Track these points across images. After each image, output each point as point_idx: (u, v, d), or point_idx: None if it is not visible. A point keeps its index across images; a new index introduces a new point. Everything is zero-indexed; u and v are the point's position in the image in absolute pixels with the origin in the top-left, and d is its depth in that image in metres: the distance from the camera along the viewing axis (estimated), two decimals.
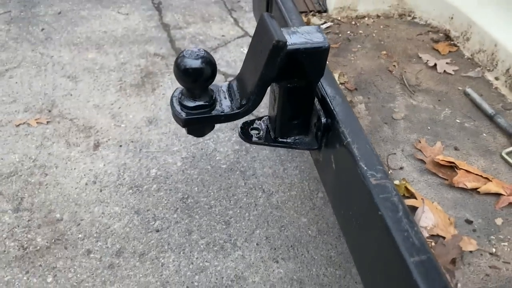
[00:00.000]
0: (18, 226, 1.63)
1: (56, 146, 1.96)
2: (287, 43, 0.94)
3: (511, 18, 1.37)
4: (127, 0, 3.07)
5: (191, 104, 1.02)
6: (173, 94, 1.06)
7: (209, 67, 0.98)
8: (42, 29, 2.72)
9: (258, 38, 1.00)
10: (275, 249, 1.62)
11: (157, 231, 1.65)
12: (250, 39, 2.72)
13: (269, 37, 0.94)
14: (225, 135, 2.05)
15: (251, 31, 2.81)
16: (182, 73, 0.97)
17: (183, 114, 1.02)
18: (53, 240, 1.60)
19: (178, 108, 1.03)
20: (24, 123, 2.06)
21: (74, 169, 1.86)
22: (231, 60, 2.54)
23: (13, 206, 1.70)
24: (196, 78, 0.98)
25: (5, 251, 1.55)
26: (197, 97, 1.02)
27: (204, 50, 0.99)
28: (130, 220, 1.68)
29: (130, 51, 2.57)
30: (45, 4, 2.97)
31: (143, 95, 2.26)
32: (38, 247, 1.57)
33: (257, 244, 1.63)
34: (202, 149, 1.98)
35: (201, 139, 2.02)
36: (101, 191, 1.78)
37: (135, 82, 2.34)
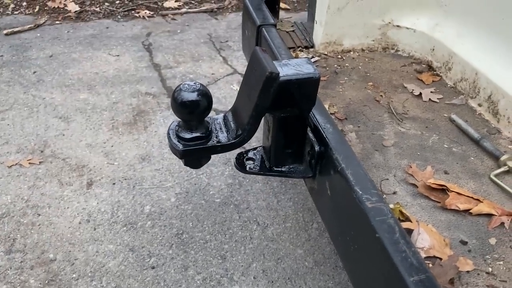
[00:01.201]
0: (11, 268, 1.60)
1: (49, 186, 1.95)
2: (280, 74, 0.98)
3: (490, 47, 1.45)
4: (118, 42, 3.14)
5: (188, 135, 1.05)
6: (169, 127, 1.09)
7: (205, 99, 1.02)
8: (34, 72, 2.76)
9: (252, 70, 1.05)
10: (272, 282, 1.60)
11: (153, 267, 1.63)
12: (239, 76, 2.80)
13: (262, 69, 0.98)
14: (218, 170, 2.07)
15: (240, 69, 2.88)
16: (179, 105, 1.00)
17: (180, 146, 1.05)
18: (46, 281, 1.57)
19: (175, 140, 1.06)
20: (16, 164, 2.06)
21: (67, 208, 1.85)
22: (221, 97, 2.59)
23: (5, 248, 1.67)
24: (192, 110, 1.01)
25: None
26: (194, 129, 1.05)
27: (200, 84, 1.03)
28: (125, 258, 1.66)
29: (121, 91, 2.61)
30: (37, 48, 3.03)
31: (135, 133, 2.28)
32: None
33: (254, 278, 1.61)
34: (195, 184, 1.99)
35: (194, 174, 2.04)
36: (95, 229, 1.77)
37: (127, 121, 2.36)
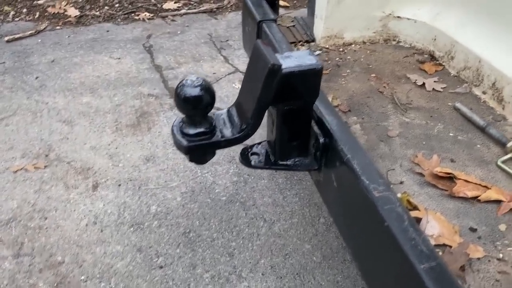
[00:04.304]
0: (19, 272, 1.60)
1: (55, 189, 1.96)
2: (282, 66, 0.98)
3: (492, 34, 1.44)
4: (119, 45, 3.15)
5: (192, 131, 1.04)
6: (173, 123, 1.09)
7: (208, 94, 1.01)
8: (37, 77, 2.77)
9: (254, 64, 1.04)
10: (281, 277, 1.60)
11: (161, 267, 1.63)
12: (240, 75, 2.80)
13: (264, 62, 0.97)
14: (222, 168, 2.06)
15: (241, 67, 2.88)
16: (183, 101, 1.00)
17: (185, 142, 1.05)
18: (55, 284, 1.57)
19: (179, 136, 1.05)
20: (21, 169, 2.06)
21: (74, 211, 1.85)
22: (223, 96, 2.59)
23: (14, 252, 1.68)
24: (196, 105, 1.01)
25: None
26: (198, 124, 1.05)
27: (203, 79, 1.03)
28: (132, 258, 1.66)
29: (124, 93, 2.62)
30: (39, 54, 3.04)
31: (139, 134, 2.28)
32: None
33: (262, 274, 1.61)
34: (201, 183, 1.99)
35: (199, 173, 2.03)
36: (102, 231, 1.77)
37: (130, 123, 2.36)
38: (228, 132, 1.07)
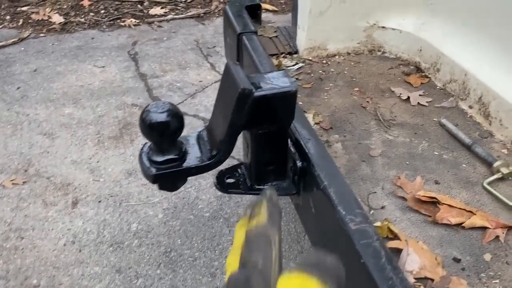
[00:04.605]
0: None
1: (33, 207, 1.89)
2: (254, 90, 0.92)
3: (478, 47, 1.39)
4: (103, 53, 3.08)
5: (160, 158, 0.98)
6: (141, 150, 1.03)
7: (176, 119, 0.96)
8: (18, 88, 2.70)
9: (224, 87, 0.99)
10: None
11: None
12: None
13: (235, 86, 0.92)
14: (207, 182, 2.01)
15: None
16: (148, 128, 0.94)
17: (153, 170, 0.99)
18: None
19: (147, 164, 1.00)
20: None
21: (52, 229, 1.79)
22: (209, 105, 2.52)
23: None
24: (162, 132, 0.95)
25: None
26: (166, 151, 0.99)
27: (170, 103, 0.97)
28: (111, 280, 1.60)
29: (107, 103, 2.55)
30: (21, 63, 2.97)
31: (121, 147, 2.22)
32: None
33: None
34: (183, 198, 1.93)
35: (182, 188, 1.96)
36: (80, 251, 1.71)
37: (113, 134, 2.30)
38: (198, 159, 1.02)
